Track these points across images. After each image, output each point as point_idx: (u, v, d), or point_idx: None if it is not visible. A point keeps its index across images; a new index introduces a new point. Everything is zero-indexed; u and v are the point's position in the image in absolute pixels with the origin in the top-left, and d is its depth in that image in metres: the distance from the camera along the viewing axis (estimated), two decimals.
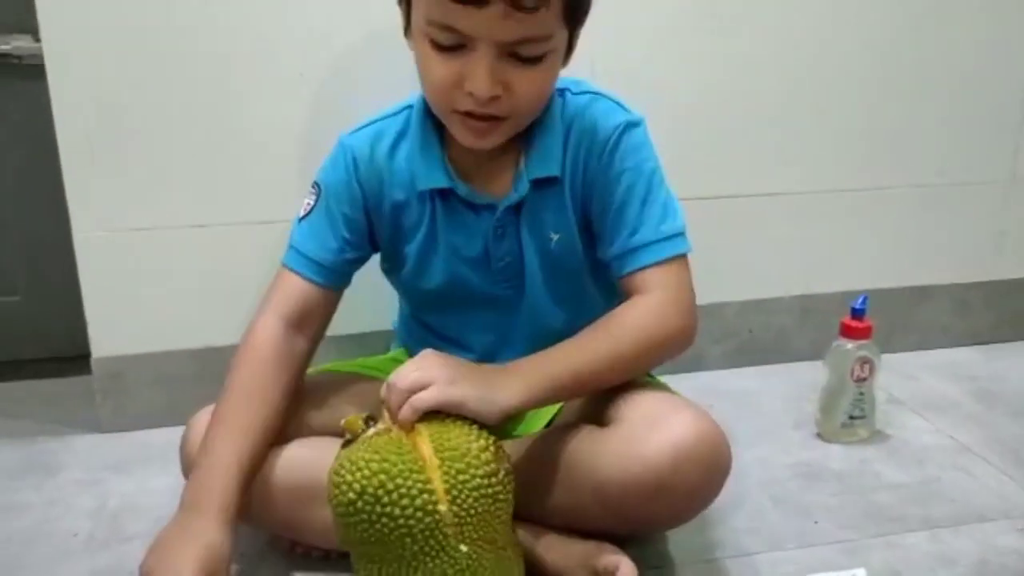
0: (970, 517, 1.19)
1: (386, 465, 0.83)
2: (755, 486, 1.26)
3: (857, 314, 1.35)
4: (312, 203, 1.11)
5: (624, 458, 0.93)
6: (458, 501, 0.84)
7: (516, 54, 0.93)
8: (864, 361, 1.35)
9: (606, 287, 1.12)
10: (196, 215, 1.39)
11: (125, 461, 1.34)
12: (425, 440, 0.86)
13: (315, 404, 1.09)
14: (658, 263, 1.03)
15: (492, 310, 1.14)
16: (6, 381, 1.61)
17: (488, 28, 0.90)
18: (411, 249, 1.12)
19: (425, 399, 0.88)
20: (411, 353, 1.18)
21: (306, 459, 1.01)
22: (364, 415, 0.91)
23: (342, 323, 1.36)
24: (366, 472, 0.83)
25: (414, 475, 0.83)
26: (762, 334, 1.67)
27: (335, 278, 1.11)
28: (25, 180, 1.54)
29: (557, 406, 1.13)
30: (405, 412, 0.88)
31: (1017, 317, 1.79)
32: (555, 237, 1.09)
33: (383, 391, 0.91)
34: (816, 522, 1.18)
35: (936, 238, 1.72)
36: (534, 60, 0.94)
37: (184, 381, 1.41)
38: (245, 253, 1.42)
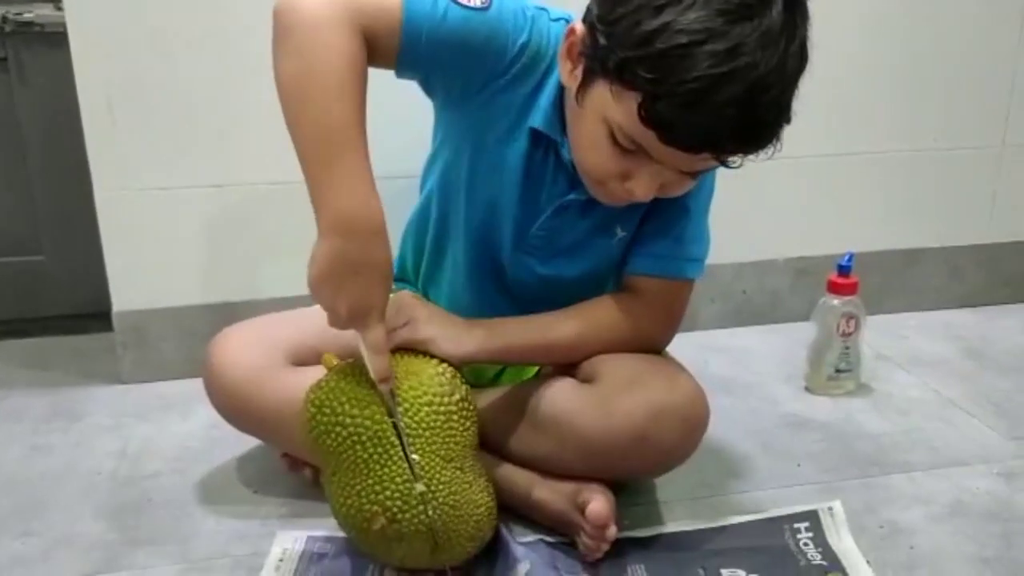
0: (948, 462, 1.25)
1: (342, 383, 0.94)
2: (743, 434, 1.32)
3: (843, 271, 1.40)
4: (474, 6, 0.94)
5: (604, 413, 0.99)
6: (410, 413, 0.93)
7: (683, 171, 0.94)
8: (850, 316, 1.41)
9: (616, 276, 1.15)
10: (213, 175, 1.45)
11: (145, 409, 1.41)
12: (396, 365, 0.96)
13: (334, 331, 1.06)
14: (666, 277, 1.08)
15: (505, 294, 1.14)
16: (32, 336, 1.68)
17: (676, 162, 0.90)
18: (485, 140, 1.04)
19: (397, 336, 0.99)
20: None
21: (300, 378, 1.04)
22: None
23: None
24: (325, 389, 0.95)
25: (364, 388, 0.93)
26: (756, 295, 1.72)
27: (410, 60, 0.96)
28: (48, 143, 1.60)
29: None
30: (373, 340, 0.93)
31: (1008, 280, 1.84)
32: (621, 234, 1.09)
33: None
34: (799, 465, 1.24)
35: (929, 202, 1.76)
36: (695, 175, 0.95)
37: (202, 335, 1.46)
38: (260, 212, 1.48)
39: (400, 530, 0.92)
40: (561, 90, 1.00)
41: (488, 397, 1.10)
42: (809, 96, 1.62)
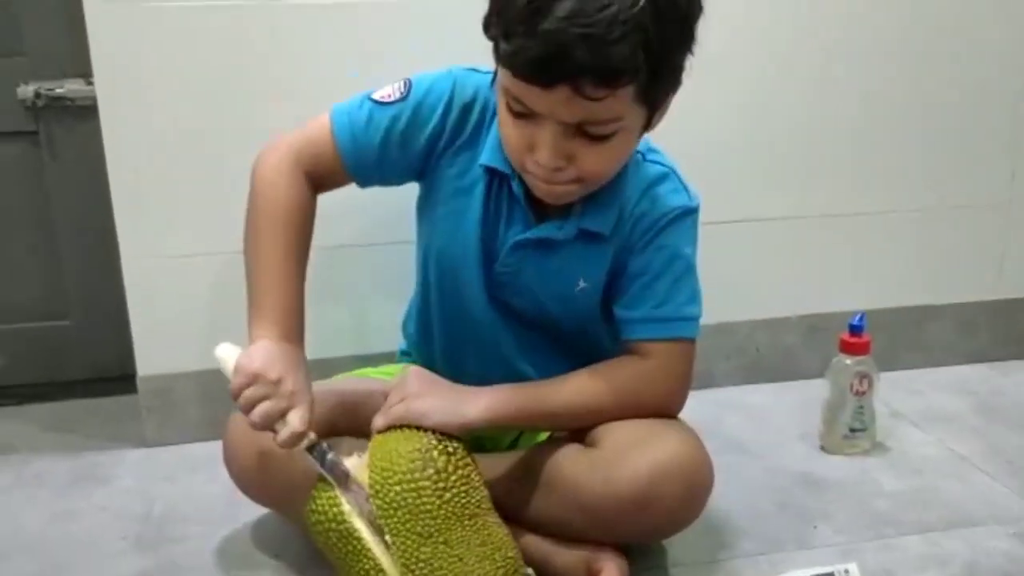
0: (963, 522, 1.26)
1: (312, 493, 0.99)
2: (758, 493, 1.33)
3: (855, 330, 1.42)
4: (394, 100, 1.10)
5: (607, 477, 1.01)
6: (380, 495, 0.95)
7: (584, 131, 0.95)
8: (863, 375, 1.42)
9: (609, 336, 1.18)
10: (235, 243, 1.48)
11: (170, 472, 1.44)
12: (372, 447, 1.00)
13: (344, 407, 1.16)
14: (672, 339, 1.10)
15: (486, 328, 1.17)
16: (57, 400, 1.70)
17: (552, 109, 0.92)
18: (447, 189, 1.13)
19: (390, 415, 1.02)
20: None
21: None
22: None
23: (350, 344, 1.50)
24: (312, 494, 1.00)
25: (324, 494, 0.98)
26: (770, 352, 1.74)
27: (361, 171, 1.13)
28: (75, 212, 1.65)
29: None
30: (376, 422, 1.02)
31: (1020, 335, 1.85)
32: (583, 285, 1.12)
33: None
34: (815, 527, 1.25)
35: (939, 259, 1.78)
36: (602, 137, 0.96)
37: (225, 398, 1.48)
38: None
39: None
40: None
41: (502, 463, 1.12)
42: (820, 155, 1.68)
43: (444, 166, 1.12)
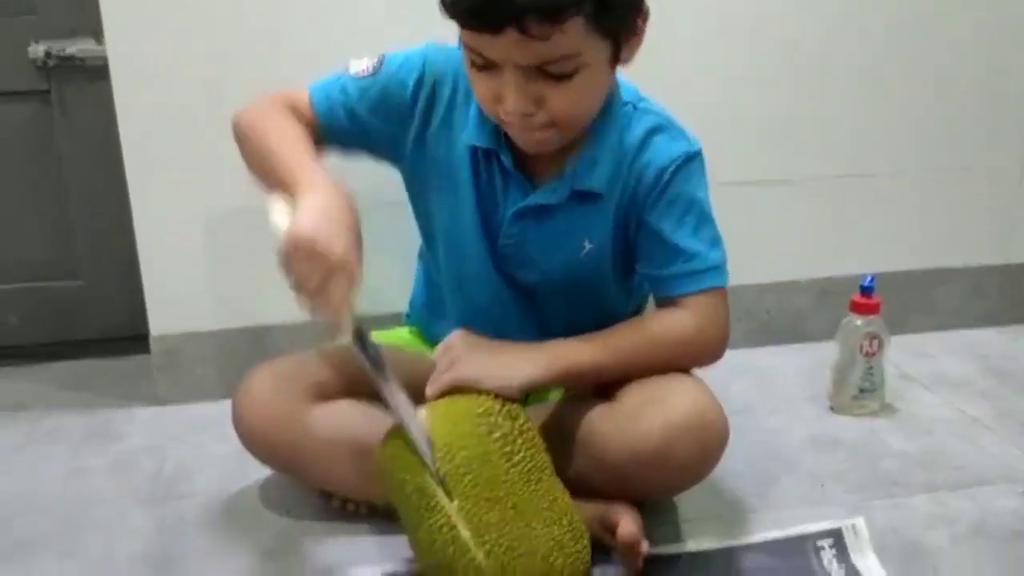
0: (972, 481, 1.26)
1: (395, 438, 0.97)
2: (767, 455, 1.34)
3: (866, 291, 1.42)
4: (366, 75, 1.12)
5: (623, 433, 1.02)
6: (447, 460, 0.93)
7: (545, 72, 0.95)
8: (873, 337, 1.42)
9: (622, 295, 1.19)
10: (248, 201, 1.48)
11: (181, 430, 1.45)
12: (436, 411, 0.98)
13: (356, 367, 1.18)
14: (705, 291, 1.09)
15: (497, 303, 1.18)
16: (71, 360, 1.72)
17: (507, 53, 0.93)
18: (430, 169, 1.14)
19: (443, 380, 1.01)
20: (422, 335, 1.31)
21: (347, 416, 1.11)
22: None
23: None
24: (385, 444, 0.98)
25: (407, 449, 0.95)
26: (779, 315, 1.73)
27: (333, 129, 1.13)
28: (87, 173, 1.65)
29: None
30: (428, 390, 1.01)
31: None
32: (588, 247, 1.12)
33: None
34: (823, 485, 1.26)
35: (951, 221, 1.78)
36: (564, 76, 0.95)
37: (237, 358, 1.51)
38: None
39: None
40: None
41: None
42: (831, 119, 1.67)
43: (428, 148, 1.13)
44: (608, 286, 1.17)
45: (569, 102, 0.98)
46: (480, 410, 0.97)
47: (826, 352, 1.50)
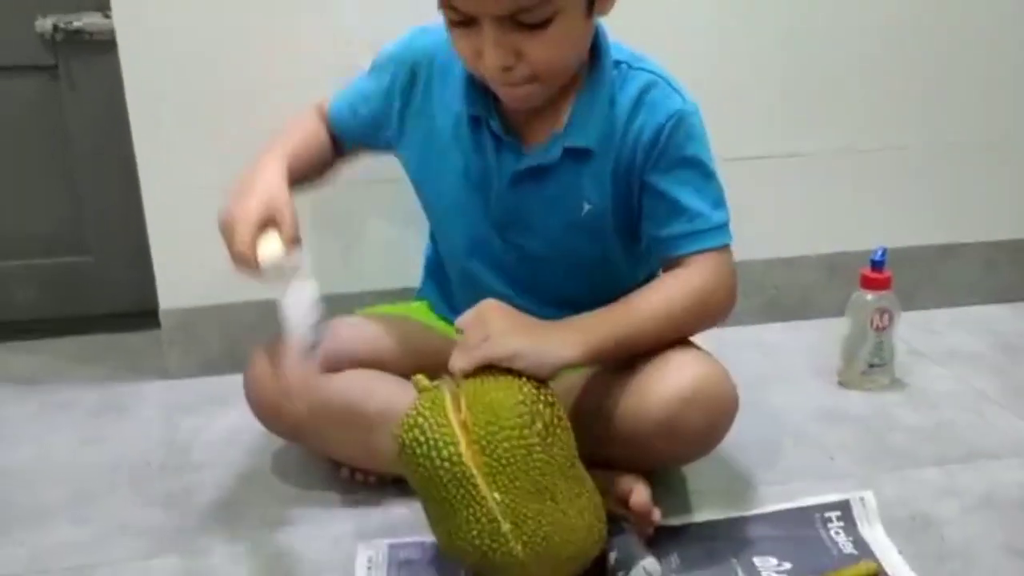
0: (981, 455, 1.26)
1: (420, 419, 0.91)
2: (776, 428, 1.34)
3: (876, 266, 1.41)
4: (367, 71, 1.21)
5: (634, 404, 1.03)
6: (487, 451, 0.89)
7: (520, 22, 0.95)
8: (883, 311, 1.41)
9: (629, 262, 1.18)
10: None
11: (191, 403, 1.46)
12: (467, 394, 0.93)
13: (364, 339, 1.19)
14: (710, 249, 1.08)
15: (500, 276, 1.17)
16: (81, 335, 1.73)
17: (479, 5, 0.94)
18: (424, 143, 1.17)
19: (475, 356, 0.95)
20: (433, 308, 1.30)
21: (356, 387, 1.11)
22: (427, 375, 0.99)
23: (370, 279, 1.50)
24: (405, 426, 0.93)
25: (441, 429, 0.90)
26: (788, 291, 1.73)
27: (338, 125, 1.24)
28: (96, 147, 1.65)
29: None
30: (458, 364, 0.96)
31: None
32: (588, 207, 1.11)
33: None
34: (832, 458, 1.26)
35: (963, 196, 1.76)
36: (540, 25, 0.95)
37: (246, 331, 1.51)
38: (302, 210, 1.51)
39: (491, 565, 0.91)
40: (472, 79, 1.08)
41: None
42: (843, 91, 1.65)
43: (412, 127, 1.17)
44: (613, 251, 1.16)
45: (547, 52, 0.98)
46: (520, 397, 0.92)
47: (834, 328, 1.50)
